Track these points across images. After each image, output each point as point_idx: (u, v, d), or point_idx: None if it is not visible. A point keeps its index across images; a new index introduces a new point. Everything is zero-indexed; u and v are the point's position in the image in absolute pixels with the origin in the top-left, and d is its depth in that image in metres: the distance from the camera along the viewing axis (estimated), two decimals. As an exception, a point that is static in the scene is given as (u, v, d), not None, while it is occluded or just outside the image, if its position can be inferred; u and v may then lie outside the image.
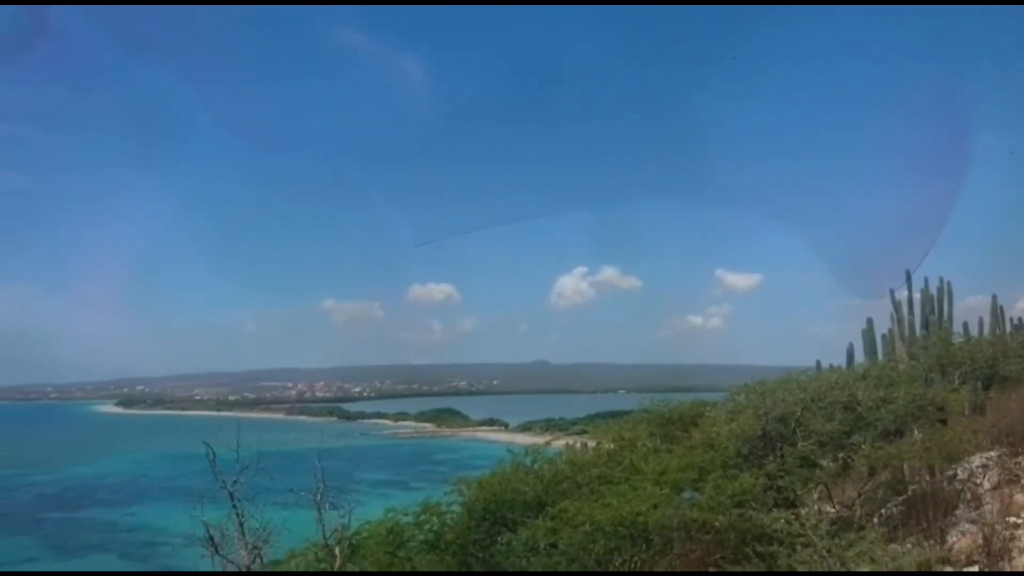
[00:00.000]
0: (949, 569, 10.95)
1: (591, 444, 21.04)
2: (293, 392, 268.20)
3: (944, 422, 16.35)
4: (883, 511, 14.98)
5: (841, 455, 15.75)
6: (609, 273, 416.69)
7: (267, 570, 10.31)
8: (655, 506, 12.19)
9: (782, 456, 14.68)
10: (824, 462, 15.31)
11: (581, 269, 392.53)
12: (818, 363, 25.17)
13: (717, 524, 12.04)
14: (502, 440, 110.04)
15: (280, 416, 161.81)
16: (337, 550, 9.49)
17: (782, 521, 11.52)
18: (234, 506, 8.48)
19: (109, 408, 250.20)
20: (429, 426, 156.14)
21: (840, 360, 26.02)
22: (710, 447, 15.37)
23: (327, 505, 9.74)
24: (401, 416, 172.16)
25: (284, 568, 12.32)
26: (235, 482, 8.39)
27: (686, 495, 13.79)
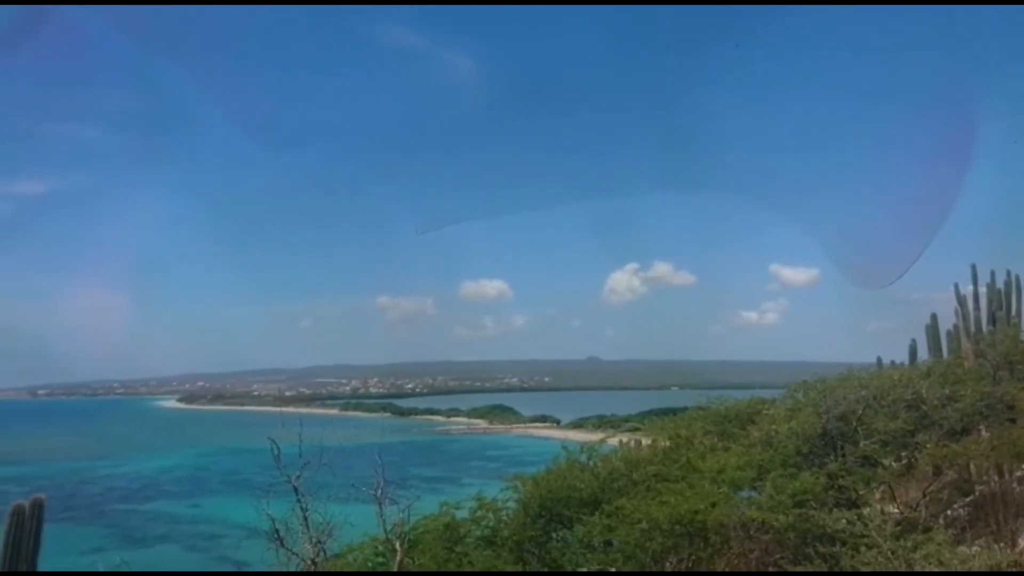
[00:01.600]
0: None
1: (645, 441, 20.94)
2: (347, 388, 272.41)
3: (1014, 421, 15.84)
4: (949, 512, 14.61)
5: (905, 454, 15.40)
6: (662, 269, 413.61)
7: (329, 562, 10.52)
8: (713, 504, 12.09)
9: (843, 455, 14.43)
10: (887, 461, 14.99)
11: (633, 265, 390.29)
12: (879, 360, 24.61)
13: (777, 524, 11.86)
14: (554, 437, 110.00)
15: (334, 412, 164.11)
16: (397, 544, 9.62)
17: (844, 521, 11.30)
18: (298, 500, 8.68)
19: (171, 404, 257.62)
20: (481, 422, 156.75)
21: (902, 357, 25.36)
22: (769, 445, 15.17)
23: (387, 500, 9.87)
24: (453, 412, 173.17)
25: (342, 562, 12.58)
26: (298, 477, 8.58)
27: (744, 494, 13.64)
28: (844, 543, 10.86)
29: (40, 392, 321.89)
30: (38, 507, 13.93)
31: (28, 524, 13.61)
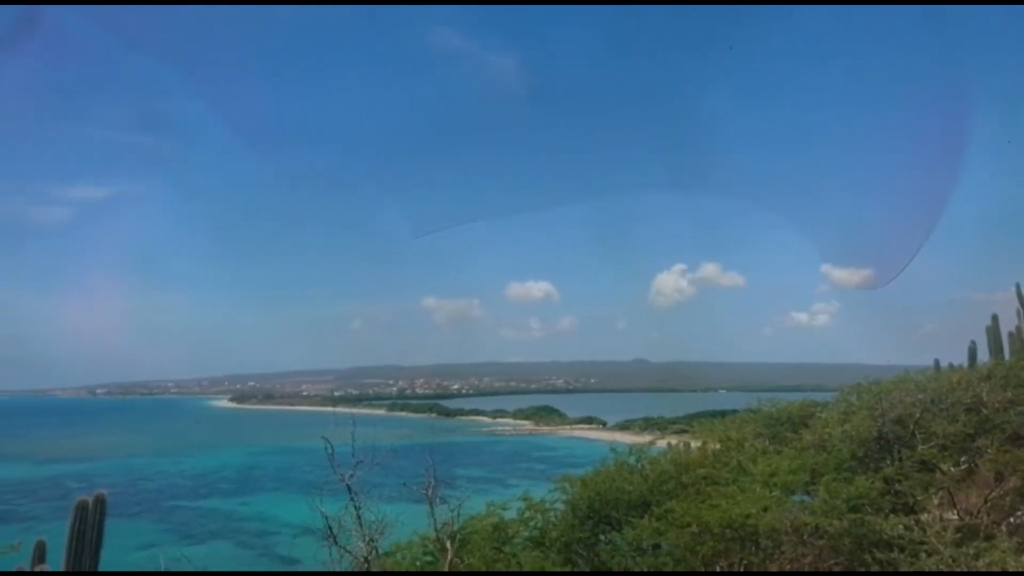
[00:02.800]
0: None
1: (694, 444, 20.73)
2: (394, 389, 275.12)
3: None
4: (1012, 519, 14.14)
5: (964, 459, 14.97)
6: (710, 270, 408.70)
7: (380, 560, 10.63)
8: (765, 508, 11.90)
9: (900, 459, 14.10)
10: (945, 466, 14.59)
11: (680, 266, 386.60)
12: (936, 362, 24.01)
13: (831, 529, 11.63)
14: (600, 439, 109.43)
15: (382, 412, 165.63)
16: (448, 544, 9.69)
17: (901, 527, 11.04)
18: (351, 499, 8.81)
19: (223, 403, 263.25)
20: (527, 423, 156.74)
21: (961, 359, 24.69)
22: (822, 449, 14.91)
23: (437, 500, 9.96)
24: (499, 413, 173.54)
25: (391, 560, 12.71)
26: (351, 475, 8.70)
27: (797, 498, 13.42)
28: (902, 549, 10.61)
29: (99, 391, 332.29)
30: (101, 502, 14.46)
31: (92, 518, 14.13)
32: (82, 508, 14.57)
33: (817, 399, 20.46)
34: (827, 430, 15.63)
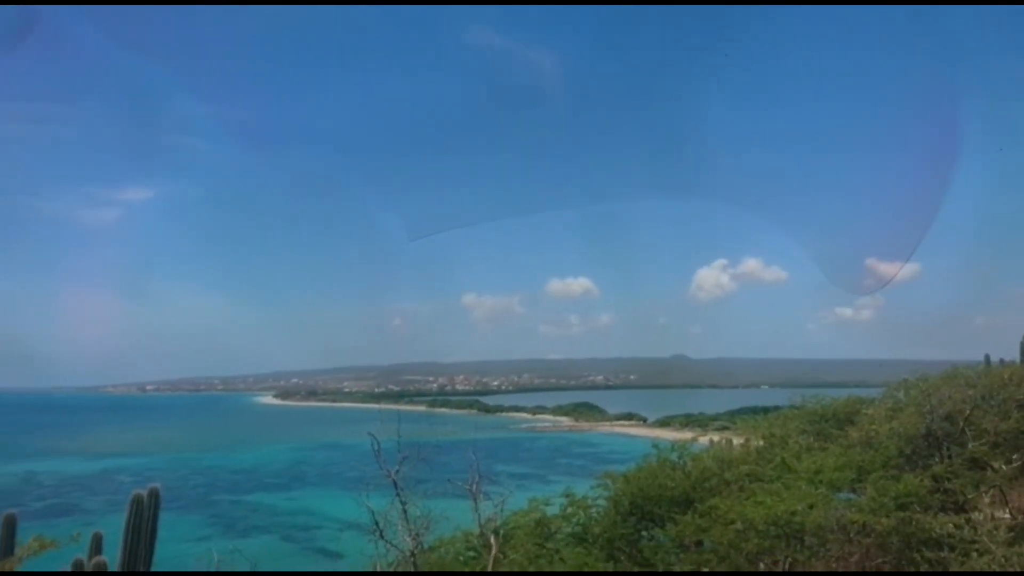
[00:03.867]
0: None
1: (737, 441, 20.58)
2: (435, 385, 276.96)
3: None
4: (1068, 519, 13.77)
5: (1016, 457, 14.64)
6: (751, 264, 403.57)
7: (424, 555, 10.78)
8: (811, 506, 11.80)
9: (949, 457, 13.85)
10: (997, 464, 14.29)
11: (721, 261, 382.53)
12: (987, 357, 23.41)
13: (879, 527, 11.48)
14: (640, 435, 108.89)
15: (422, 408, 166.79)
16: (492, 539, 9.81)
17: (951, 526, 10.84)
18: (398, 494, 8.96)
19: (268, 399, 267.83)
20: (566, 420, 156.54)
21: (1013, 354, 24.07)
22: (869, 446, 14.70)
23: (481, 496, 10.08)
24: (539, 410, 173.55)
25: (435, 555, 12.87)
26: (397, 471, 8.86)
27: (843, 496, 13.26)
28: (952, 548, 10.43)
29: (148, 387, 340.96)
30: (155, 496, 14.82)
31: (147, 512, 14.49)
32: (137, 502, 14.94)
33: (862, 395, 20.13)
34: (874, 427, 15.41)
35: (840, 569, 11.85)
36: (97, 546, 15.51)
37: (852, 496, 13.33)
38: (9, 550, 13.28)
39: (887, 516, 11.54)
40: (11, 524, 14.99)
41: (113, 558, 16.23)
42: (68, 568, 14.70)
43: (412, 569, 9.19)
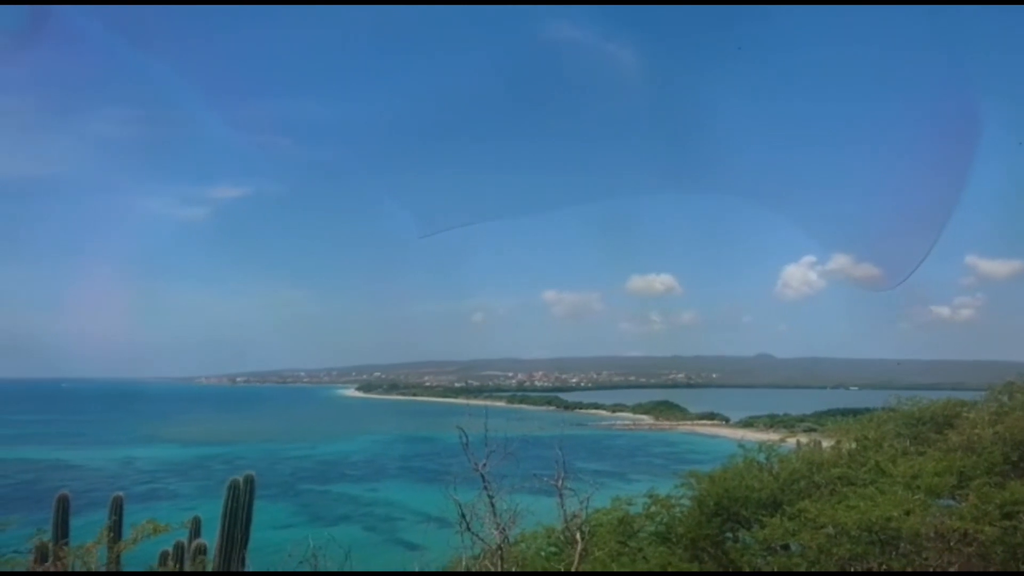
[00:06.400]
0: None
1: (826, 443, 19.99)
2: (514, 381, 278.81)
3: None
4: None
5: None
6: (841, 261, 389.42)
7: (512, 546, 10.88)
8: (908, 512, 11.35)
9: (1060, 464, 13.08)
10: (1116, 473, 13.44)
11: (809, 258, 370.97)
12: (1102, 360, 22.01)
13: (982, 536, 10.95)
14: (722, 435, 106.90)
15: (501, 404, 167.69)
16: (578, 535, 9.84)
17: (1062, 537, 10.27)
18: (484, 487, 9.08)
19: (350, 392, 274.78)
20: (646, 418, 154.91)
21: None
22: (971, 451, 14.04)
23: (567, 492, 10.11)
24: (618, 407, 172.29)
25: (518, 549, 12.97)
26: (484, 465, 8.98)
27: (943, 502, 12.71)
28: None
29: (238, 379, 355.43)
30: (250, 483, 15.55)
31: (243, 497, 15.22)
32: (234, 487, 15.70)
33: (960, 398, 19.25)
34: (976, 431, 14.70)
35: (939, 578, 11.38)
36: (196, 529, 16.37)
37: (952, 503, 12.76)
38: (118, 528, 14.18)
39: (991, 525, 11.00)
40: (119, 505, 16.02)
41: (211, 541, 17.09)
42: (169, 549, 15.60)
43: (499, 562, 9.31)
